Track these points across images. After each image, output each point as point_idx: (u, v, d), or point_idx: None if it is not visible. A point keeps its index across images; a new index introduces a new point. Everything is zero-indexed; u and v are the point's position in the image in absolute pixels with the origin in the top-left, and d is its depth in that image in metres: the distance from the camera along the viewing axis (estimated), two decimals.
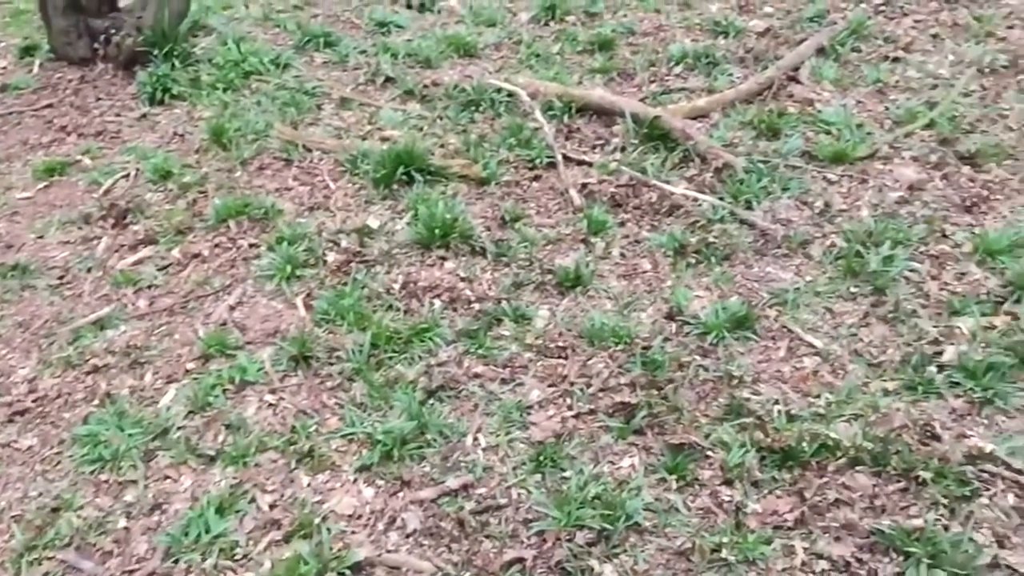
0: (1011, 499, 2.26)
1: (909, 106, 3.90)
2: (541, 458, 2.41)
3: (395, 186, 3.52)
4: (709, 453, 2.41)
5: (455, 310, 2.95)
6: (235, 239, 3.33)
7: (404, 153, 3.58)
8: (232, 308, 3.03)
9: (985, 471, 2.33)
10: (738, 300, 2.92)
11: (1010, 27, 4.49)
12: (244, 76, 4.30)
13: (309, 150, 3.77)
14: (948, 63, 4.24)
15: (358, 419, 2.58)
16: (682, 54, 4.35)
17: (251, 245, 3.30)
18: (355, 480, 2.42)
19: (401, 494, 2.37)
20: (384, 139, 3.83)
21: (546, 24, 4.79)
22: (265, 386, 2.73)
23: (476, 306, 2.95)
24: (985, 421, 2.49)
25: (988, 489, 2.28)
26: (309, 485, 2.42)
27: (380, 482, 2.40)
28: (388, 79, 4.30)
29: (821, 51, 4.32)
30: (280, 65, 4.40)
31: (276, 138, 3.84)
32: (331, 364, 2.78)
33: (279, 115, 4.01)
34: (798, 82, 4.13)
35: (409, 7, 5.03)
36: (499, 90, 4.04)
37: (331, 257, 3.19)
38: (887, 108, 3.93)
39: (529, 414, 2.57)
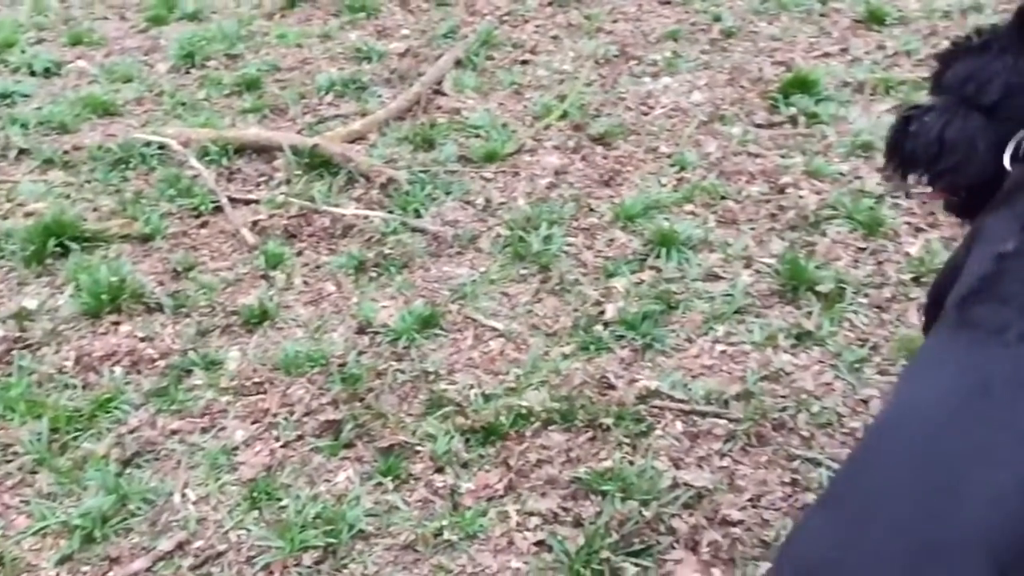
0: (679, 426, 2.57)
1: (543, 101, 4.27)
2: (255, 495, 2.38)
3: (49, 260, 3.29)
4: (418, 448, 2.51)
5: (139, 372, 2.82)
6: None
7: (53, 224, 3.36)
8: None
9: (655, 407, 2.63)
10: (422, 302, 3.06)
11: (615, 21, 5.05)
12: None
13: None
14: (570, 59, 4.69)
15: (49, 511, 2.39)
16: (330, 83, 4.45)
17: None
18: (57, 575, 2.25)
19: (111, 574, 2.23)
20: (28, 214, 3.56)
21: (187, 72, 4.69)
22: None
23: (162, 363, 2.85)
24: (649, 364, 2.80)
25: (660, 422, 2.58)
26: None
27: (85, 568, 2.25)
28: (22, 151, 3.99)
29: (459, 63, 4.61)
30: None
31: None
32: (8, 462, 2.56)
33: None
34: (443, 94, 4.38)
35: (32, 74, 4.69)
36: (148, 144, 3.90)
37: None
38: (525, 106, 4.28)
39: (236, 455, 2.52)
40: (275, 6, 5.34)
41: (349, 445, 2.53)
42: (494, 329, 2.96)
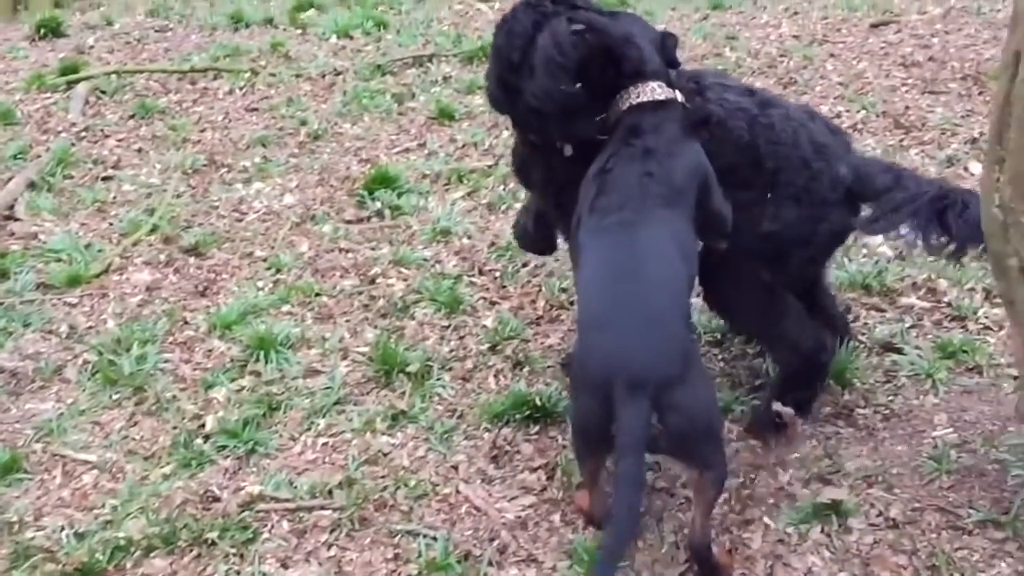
0: (286, 525, 2.63)
1: (131, 217, 4.18)
2: None
3: None
4: None
5: None
6: None
7: None
8: None
9: (261, 511, 2.67)
10: (1, 447, 2.85)
11: (202, 131, 5.09)
12: None
13: None
14: (157, 171, 4.64)
15: None
16: None
17: None
18: None
19: None
20: None
21: None
22: None
23: None
24: (254, 469, 2.84)
25: (266, 525, 2.63)
26: None
27: None
28: None
29: (33, 185, 4.37)
30: None
31: None
32: None
33: None
34: (16, 219, 4.13)
35: None
36: None
37: None
38: (111, 224, 4.17)
39: None
40: None
41: None
42: (86, 462, 2.84)
